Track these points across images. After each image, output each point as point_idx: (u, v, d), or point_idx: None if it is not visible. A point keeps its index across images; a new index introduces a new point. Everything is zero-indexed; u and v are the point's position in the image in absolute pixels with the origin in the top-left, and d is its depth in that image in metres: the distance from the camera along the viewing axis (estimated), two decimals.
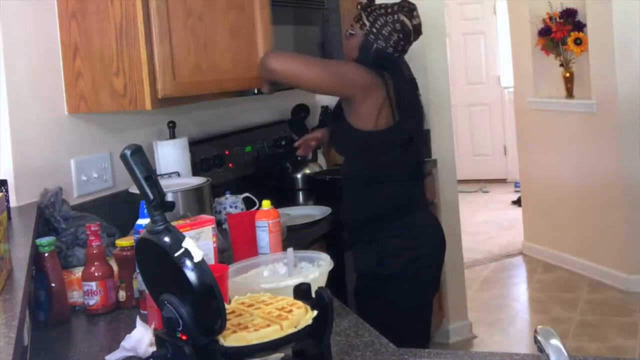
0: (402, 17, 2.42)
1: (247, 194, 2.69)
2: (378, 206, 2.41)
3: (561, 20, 4.98)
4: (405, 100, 2.43)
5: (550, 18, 5.04)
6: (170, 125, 2.66)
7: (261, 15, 2.60)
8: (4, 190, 2.02)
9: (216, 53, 2.45)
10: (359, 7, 2.52)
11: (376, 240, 2.40)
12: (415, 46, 2.57)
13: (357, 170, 2.47)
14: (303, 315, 1.25)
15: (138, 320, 1.54)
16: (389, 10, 2.43)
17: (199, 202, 2.36)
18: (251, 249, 2.06)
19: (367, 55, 2.43)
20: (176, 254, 1.15)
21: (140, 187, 1.19)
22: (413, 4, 2.48)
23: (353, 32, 2.48)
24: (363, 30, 2.44)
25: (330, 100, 4.07)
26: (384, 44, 2.42)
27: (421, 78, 2.96)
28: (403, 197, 2.43)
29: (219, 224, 2.32)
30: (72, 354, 1.58)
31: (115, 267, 1.86)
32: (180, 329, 1.15)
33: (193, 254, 1.15)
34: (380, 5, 2.47)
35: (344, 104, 2.45)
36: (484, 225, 6.54)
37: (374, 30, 2.42)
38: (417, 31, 2.47)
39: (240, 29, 2.54)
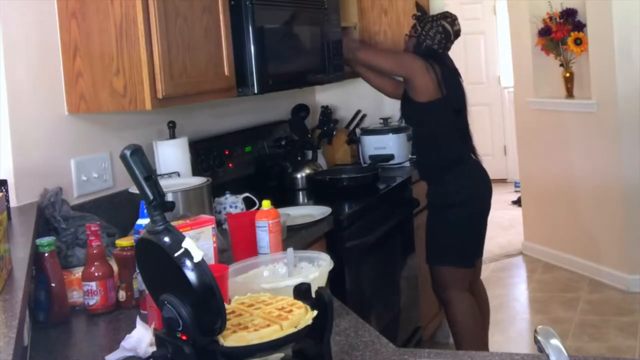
0: (444, 23, 3.25)
1: (247, 194, 2.69)
2: (438, 158, 3.25)
3: (561, 20, 4.98)
4: (449, 82, 3.23)
5: (550, 18, 5.04)
6: (170, 125, 2.66)
7: (224, 19, 2.61)
8: (4, 190, 2.02)
9: (195, 53, 2.45)
10: (414, 17, 3.41)
11: (440, 182, 3.25)
12: None
13: (421, 133, 3.33)
14: (303, 315, 1.25)
15: (138, 320, 1.54)
16: (435, 18, 3.27)
17: (199, 202, 2.36)
18: (251, 249, 2.06)
19: (419, 50, 3.26)
20: (176, 254, 1.15)
21: (140, 187, 1.19)
22: (453, 15, 3.31)
23: (410, 35, 3.34)
24: (417, 34, 3.27)
25: (329, 101, 4.07)
26: (430, 43, 3.24)
27: None
28: (456, 151, 3.25)
29: (219, 224, 2.32)
30: (72, 354, 1.58)
31: (115, 267, 1.86)
32: (180, 329, 1.15)
33: (193, 254, 1.15)
34: (429, 15, 3.38)
35: (406, 86, 3.27)
36: None
37: (424, 32, 3.26)
38: (457, 34, 3.30)
39: (210, 31, 2.55)
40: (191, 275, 1.14)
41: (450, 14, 3.32)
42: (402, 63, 3.27)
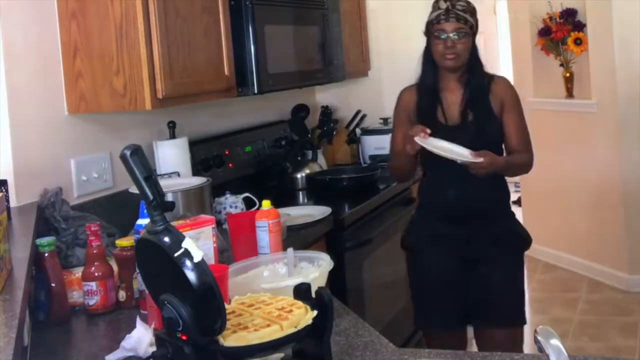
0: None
1: (247, 194, 2.69)
2: (507, 187, 2.63)
3: (561, 20, 4.98)
4: None
5: (550, 18, 5.04)
6: (170, 125, 2.66)
7: (224, 19, 2.61)
8: (4, 190, 2.02)
9: (195, 53, 2.45)
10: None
11: (510, 216, 2.62)
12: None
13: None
14: (303, 315, 1.25)
15: (138, 320, 1.54)
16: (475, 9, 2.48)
17: (199, 202, 2.36)
18: (251, 249, 2.06)
19: (476, 52, 2.52)
20: (176, 254, 1.15)
21: (140, 187, 1.19)
22: None
23: (465, 31, 2.43)
24: (472, 30, 2.46)
25: (329, 101, 4.07)
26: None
27: None
28: None
29: (219, 224, 2.32)
30: (72, 354, 1.58)
31: (115, 267, 1.86)
32: (180, 329, 1.15)
33: (193, 254, 1.15)
34: (469, 3, 2.47)
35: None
36: None
37: (476, 24, 2.48)
38: None
39: (210, 31, 2.55)
40: (191, 275, 1.14)
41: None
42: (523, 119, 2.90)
